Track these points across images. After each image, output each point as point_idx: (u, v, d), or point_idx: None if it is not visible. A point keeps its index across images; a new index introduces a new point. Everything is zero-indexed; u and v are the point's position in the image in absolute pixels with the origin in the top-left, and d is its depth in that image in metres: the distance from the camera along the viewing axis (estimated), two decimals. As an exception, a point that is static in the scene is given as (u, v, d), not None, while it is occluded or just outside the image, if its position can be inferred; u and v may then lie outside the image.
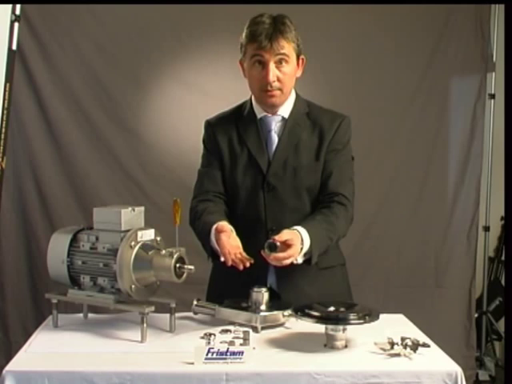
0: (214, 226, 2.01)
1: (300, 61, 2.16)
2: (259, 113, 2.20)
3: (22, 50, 3.43)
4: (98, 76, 3.65)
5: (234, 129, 2.22)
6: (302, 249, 1.97)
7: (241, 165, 2.18)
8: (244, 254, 1.98)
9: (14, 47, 2.92)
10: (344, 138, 2.20)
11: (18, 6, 2.91)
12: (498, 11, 3.89)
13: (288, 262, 1.94)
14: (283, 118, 2.19)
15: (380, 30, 3.79)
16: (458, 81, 3.95)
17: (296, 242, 1.94)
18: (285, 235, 1.94)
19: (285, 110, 2.19)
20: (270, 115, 2.19)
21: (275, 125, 2.19)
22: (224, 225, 2.00)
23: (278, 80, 2.10)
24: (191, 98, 3.71)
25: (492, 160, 4.02)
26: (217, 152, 2.23)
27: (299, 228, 2.00)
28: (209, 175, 2.24)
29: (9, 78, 2.85)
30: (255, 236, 2.13)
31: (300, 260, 2.01)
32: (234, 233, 2.02)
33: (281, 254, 1.92)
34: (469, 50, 3.88)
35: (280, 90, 2.11)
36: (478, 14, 3.86)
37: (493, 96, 3.98)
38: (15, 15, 2.88)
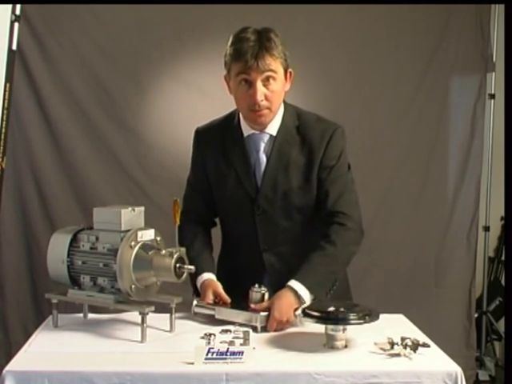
0: (201, 280, 2.11)
1: (288, 74, 2.08)
2: (246, 131, 2.14)
3: (22, 50, 3.42)
4: (98, 76, 3.64)
5: (220, 148, 2.17)
6: (302, 302, 1.97)
7: (229, 187, 2.16)
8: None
9: (14, 47, 2.91)
10: (336, 152, 2.13)
11: (18, 6, 2.91)
12: (498, 11, 3.89)
13: (283, 321, 1.95)
14: (271, 136, 2.13)
15: (380, 30, 3.79)
16: (458, 81, 3.95)
17: (277, 304, 1.95)
18: (265, 303, 1.98)
19: (273, 127, 2.12)
20: (257, 132, 2.13)
21: (264, 145, 2.13)
22: (207, 287, 2.08)
23: (266, 99, 2.03)
24: (191, 98, 3.71)
25: (492, 160, 4.02)
26: (202, 167, 2.22)
27: (293, 283, 1.99)
28: (192, 198, 2.27)
29: (9, 78, 2.85)
30: (248, 254, 2.17)
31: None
32: (221, 288, 2.08)
33: (268, 327, 1.94)
34: (469, 50, 3.88)
35: (268, 108, 2.05)
36: (478, 14, 3.86)
37: (493, 96, 3.99)
38: (15, 15, 2.88)
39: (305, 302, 1.96)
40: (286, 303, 1.96)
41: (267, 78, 2.01)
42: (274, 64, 2.00)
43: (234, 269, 2.22)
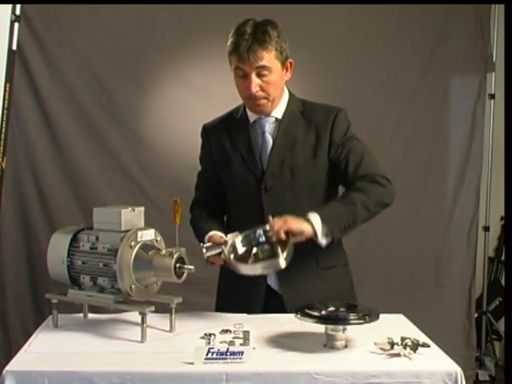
0: (208, 235, 2.09)
1: (288, 64, 2.12)
2: (252, 116, 2.20)
3: (22, 50, 3.43)
4: (98, 76, 3.65)
5: (226, 134, 2.23)
6: (315, 232, 1.94)
7: (235, 168, 2.19)
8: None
9: (14, 47, 2.91)
10: (343, 130, 2.17)
11: (18, 6, 2.91)
12: (498, 11, 3.90)
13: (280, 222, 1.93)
14: (277, 119, 2.18)
15: (380, 30, 3.79)
16: (458, 81, 3.95)
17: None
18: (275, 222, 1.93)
19: (278, 111, 2.18)
20: (263, 117, 2.18)
21: (269, 126, 2.18)
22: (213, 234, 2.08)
23: (262, 89, 2.08)
24: (191, 98, 3.72)
25: (492, 160, 4.03)
26: (210, 159, 2.27)
27: (308, 215, 1.96)
28: (204, 184, 2.31)
29: (9, 78, 2.85)
30: None
31: (323, 241, 1.96)
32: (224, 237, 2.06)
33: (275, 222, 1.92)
34: (469, 50, 3.88)
35: (266, 98, 2.10)
36: (478, 14, 3.86)
37: (493, 96, 3.99)
38: (15, 15, 2.88)
39: (317, 234, 1.94)
40: (295, 219, 1.94)
41: (261, 70, 2.06)
42: (268, 57, 2.05)
43: None
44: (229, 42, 2.09)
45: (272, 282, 2.16)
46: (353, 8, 3.70)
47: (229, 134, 2.22)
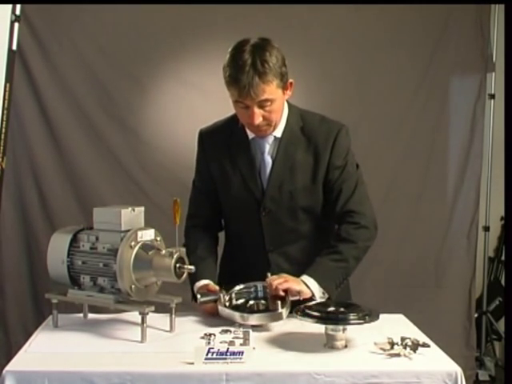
0: (198, 286, 2.11)
1: (288, 85, 2.07)
2: (251, 133, 2.15)
3: (22, 50, 3.42)
4: (98, 76, 3.64)
5: (225, 151, 2.18)
6: (313, 293, 2.00)
7: (235, 188, 2.16)
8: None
9: (14, 47, 2.92)
10: (342, 152, 2.14)
11: (18, 6, 2.91)
12: (498, 11, 3.89)
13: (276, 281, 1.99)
14: (276, 138, 2.14)
15: (380, 30, 3.79)
16: (458, 81, 3.95)
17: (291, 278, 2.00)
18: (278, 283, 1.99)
19: (277, 130, 2.13)
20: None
21: (269, 147, 2.14)
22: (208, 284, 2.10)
23: (264, 119, 2.03)
24: (191, 98, 3.71)
25: (492, 160, 4.02)
26: (207, 170, 2.23)
27: (303, 277, 2.02)
28: (197, 203, 2.27)
29: (9, 78, 2.86)
30: (253, 254, 2.18)
31: (321, 300, 2.01)
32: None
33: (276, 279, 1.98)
34: (469, 50, 3.87)
35: (268, 125, 2.07)
36: (478, 14, 3.86)
37: (493, 96, 3.99)
38: (15, 15, 2.88)
39: (314, 295, 2.00)
40: (294, 279, 2.01)
41: (263, 103, 2.00)
42: (269, 89, 1.98)
43: (237, 270, 2.22)
44: (227, 73, 2.01)
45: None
46: (352, 8, 3.69)
47: (229, 152, 2.17)
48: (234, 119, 2.19)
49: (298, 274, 2.04)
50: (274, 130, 2.11)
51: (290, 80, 2.07)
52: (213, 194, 2.24)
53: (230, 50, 2.05)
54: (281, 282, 1.98)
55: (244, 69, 1.96)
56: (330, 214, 2.16)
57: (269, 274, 2.03)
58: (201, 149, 2.27)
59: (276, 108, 2.05)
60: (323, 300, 2.00)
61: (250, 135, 2.15)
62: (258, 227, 2.15)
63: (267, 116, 2.04)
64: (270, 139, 2.14)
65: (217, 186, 2.22)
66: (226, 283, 2.13)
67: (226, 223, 2.31)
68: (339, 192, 2.12)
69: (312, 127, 2.15)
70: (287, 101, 2.16)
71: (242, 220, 2.21)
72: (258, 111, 2.01)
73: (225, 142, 2.19)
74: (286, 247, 2.17)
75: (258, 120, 2.02)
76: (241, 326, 1.93)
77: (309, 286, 2.00)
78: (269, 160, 2.14)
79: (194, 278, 2.10)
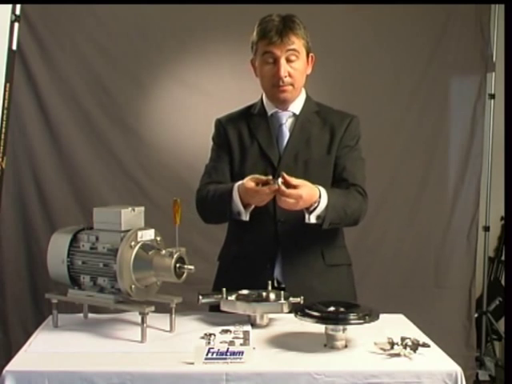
0: (236, 185, 2.08)
1: (310, 58, 2.20)
2: (270, 109, 2.24)
3: (22, 50, 3.43)
4: (98, 76, 3.65)
5: (244, 124, 2.25)
6: (317, 206, 2.01)
7: (251, 158, 2.21)
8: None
9: (14, 47, 2.92)
10: (355, 135, 2.24)
11: (18, 6, 2.91)
12: (498, 11, 3.90)
13: (292, 201, 1.96)
14: (294, 114, 2.22)
15: (380, 30, 3.79)
16: (458, 81, 3.95)
17: (305, 188, 1.97)
18: (296, 180, 1.98)
19: (296, 106, 2.23)
20: (280, 111, 2.22)
21: (286, 120, 2.22)
22: (244, 182, 2.04)
23: (290, 75, 2.14)
24: (191, 98, 3.71)
25: (492, 160, 4.03)
26: (226, 146, 2.26)
27: (320, 187, 2.04)
28: (216, 168, 2.27)
29: (9, 78, 2.85)
30: (264, 227, 2.17)
31: (312, 220, 2.04)
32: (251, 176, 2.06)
33: (286, 190, 1.95)
34: (469, 50, 3.88)
35: (292, 85, 2.16)
36: (478, 14, 3.86)
37: (493, 96, 3.99)
38: (15, 15, 2.88)
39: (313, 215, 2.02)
40: (308, 200, 2.00)
41: (290, 56, 2.12)
42: (298, 43, 2.13)
43: (244, 247, 2.21)
44: (256, 31, 2.15)
45: (278, 273, 2.17)
46: (352, 8, 3.69)
47: (247, 125, 2.25)
48: (250, 107, 2.29)
49: (304, 247, 2.10)
50: (294, 96, 2.19)
51: (312, 54, 2.20)
52: (226, 168, 2.24)
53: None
54: (289, 203, 1.97)
55: (274, 23, 2.12)
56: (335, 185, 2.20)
57: (283, 174, 2.00)
58: (220, 130, 2.29)
59: (300, 67, 2.15)
60: (312, 222, 2.03)
61: (270, 111, 2.23)
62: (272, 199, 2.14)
63: (292, 73, 2.14)
64: (288, 114, 2.23)
65: (233, 159, 2.23)
66: (232, 264, 2.14)
67: None
68: (345, 166, 2.19)
69: (327, 113, 2.27)
70: (305, 90, 2.25)
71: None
72: (284, 64, 2.11)
73: (244, 119, 2.26)
74: (296, 220, 2.14)
75: (285, 73, 2.12)
76: (241, 324, 1.93)
77: (320, 199, 2.01)
78: (286, 132, 2.22)
79: (225, 194, 2.09)
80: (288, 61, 2.13)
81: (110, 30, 3.64)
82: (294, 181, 1.98)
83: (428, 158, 3.91)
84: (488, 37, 3.90)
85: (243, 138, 2.24)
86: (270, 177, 2.02)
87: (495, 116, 3.98)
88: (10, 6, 2.86)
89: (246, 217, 2.09)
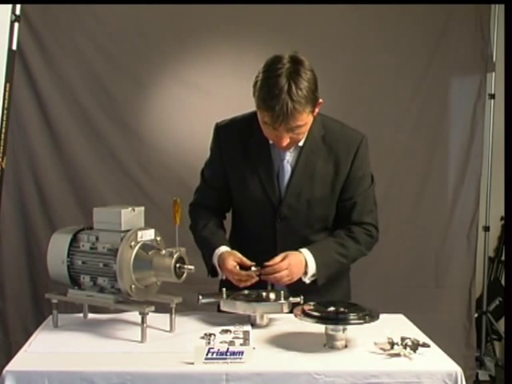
0: (219, 253, 2.09)
1: (317, 105, 2.03)
2: None
3: (22, 50, 3.42)
4: (98, 76, 3.64)
5: (244, 151, 2.14)
6: (307, 271, 2.04)
7: (252, 190, 2.14)
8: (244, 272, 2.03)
9: (14, 47, 2.92)
10: (363, 165, 2.17)
11: (18, 6, 2.91)
12: (498, 11, 3.89)
13: (284, 272, 1.99)
14: (297, 146, 2.11)
15: (380, 30, 3.79)
16: (458, 81, 3.95)
17: (289, 256, 2.00)
18: (277, 258, 2.01)
19: None
20: None
21: (289, 154, 2.12)
22: (227, 256, 2.06)
23: (291, 140, 2.02)
24: (191, 98, 3.71)
25: (492, 160, 4.02)
26: (221, 165, 2.19)
27: (304, 251, 2.05)
28: (206, 193, 2.26)
29: (9, 78, 2.85)
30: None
31: (307, 280, 2.06)
32: (240, 254, 2.07)
33: (270, 268, 1.99)
34: (469, 50, 3.87)
35: (294, 143, 2.06)
36: (478, 14, 3.86)
37: (493, 96, 3.98)
38: (15, 15, 2.88)
39: (307, 277, 2.05)
40: (298, 266, 2.02)
41: (294, 128, 1.99)
42: (302, 117, 1.96)
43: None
44: (260, 96, 1.95)
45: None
46: (353, 8, 3.69)
47: (247, 153, 2.14)
48: (252, 118, 2.11)
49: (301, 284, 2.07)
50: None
51: (320, 100, 2.04)
52: (223, 190, 2.21)
53: (263, 68, 1.99)
54: (283, 276, 1.99)
55: (280, 97, 1.90)
56: (342, 224, 2.18)
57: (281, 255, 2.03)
58: (216, 144, 2.22)
59: (304, 131, 2.05)
60: (308, 281, 2.06)
61: (271, 140, 2.10)
62: (271, 231, 2.15)
63: (295, 138, 2.03)
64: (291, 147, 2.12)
65: (231, 184, 2.19)
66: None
67: (236, 216, 2.28)
68: (355, 203, 2.15)
69: (333, 136, 2.14)
70: None
71: (256, 222, 2.19)
72: (286, 135, 1.99)
73: (243, 143, 2.15)
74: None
75: (286, 142, 2.01)
76: (241, 324, 1.93)
77: (308, 268, 2.03)
78: (288, 168, 2.13)
79: (209, 249, 2.11)
80: (291, 131, 1.98)
81: (109, 30, 3.64)
82: (275, 259, 2.00)
83: (428, 158, 3.91)
84: (488, 37, 3.90)
85: (242, 167, 2.14)
86: (253, 265, 2.02)
87: (495, 116, 3.98)
88: (9, 6, 2.86)
89: (223, 276, 2.11)
